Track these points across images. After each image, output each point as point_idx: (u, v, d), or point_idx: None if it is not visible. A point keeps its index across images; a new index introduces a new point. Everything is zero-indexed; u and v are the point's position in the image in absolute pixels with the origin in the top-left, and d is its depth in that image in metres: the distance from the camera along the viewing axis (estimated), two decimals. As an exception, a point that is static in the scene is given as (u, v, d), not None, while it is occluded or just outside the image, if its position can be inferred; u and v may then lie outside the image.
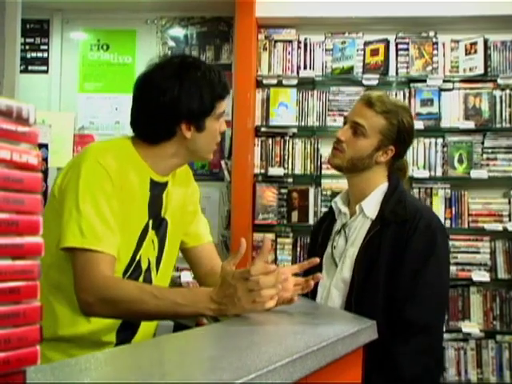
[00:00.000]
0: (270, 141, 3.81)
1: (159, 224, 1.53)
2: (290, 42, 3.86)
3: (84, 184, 1.36)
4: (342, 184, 3.37)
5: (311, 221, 3.73)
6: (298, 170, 3.80)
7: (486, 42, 3.66)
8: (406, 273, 1.63)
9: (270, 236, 3.72)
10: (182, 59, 1.52)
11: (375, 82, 3.71)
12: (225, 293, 1.25)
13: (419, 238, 1.65)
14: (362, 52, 3.79)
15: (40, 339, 0.59)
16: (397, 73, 3.76)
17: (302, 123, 3.81)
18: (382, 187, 1.79)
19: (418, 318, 1.61)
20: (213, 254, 1.67)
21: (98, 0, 4.03)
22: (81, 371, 0.83)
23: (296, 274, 1.49)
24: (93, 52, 4.31)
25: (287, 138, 3.81)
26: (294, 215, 3.77)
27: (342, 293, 1.74)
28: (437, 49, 3.74)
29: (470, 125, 3.64)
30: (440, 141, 3.70)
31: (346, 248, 1.76)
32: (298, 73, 3.83)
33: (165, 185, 1.54)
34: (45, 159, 2.80)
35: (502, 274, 3.57)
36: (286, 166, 3.80)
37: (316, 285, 1.71)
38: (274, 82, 3.82)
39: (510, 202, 3.61)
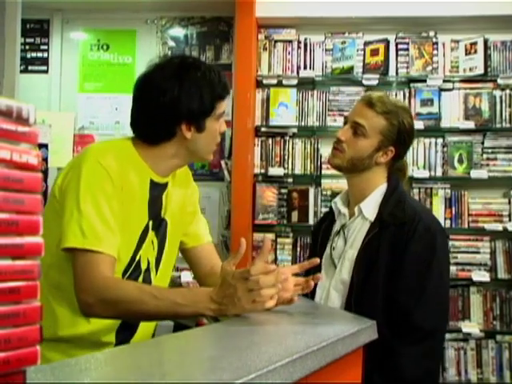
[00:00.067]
0: (270, 141, 3.81)
1: (159, 224, 1.53)
2: (290, 42, 3.86)
3: (85, 184, 1.36)
4: (342, 184, 3.37)
5: (311, 221, 3.73)
6: (298, 170, 3.80)
7: (486, 42, 3.66)
8: (408, 275, 1.63)
9: (270, 236, 3.72)
10: (182, 59, 1.52)
11: (375, 82, 3.71)
12: (225, 293, 1.25)
13: (419, 241, 1.65)
14: (362, 52, 3.79)
15: (40, 339, 0.59)
16: (397, 73, 3.76)
17: (302, 123, 3.81)
18: (381, 188, 1.78)
19: (425, 323, 1.62)
20: (212, 254, 1.67)
21: (98, 0, 4.03)
22: (81, 371, 0.83)
23: (297, 274, 1.49)
24: (93, 52, 4.31)
25: (287, 137, 3.81)
26: (294, 215, 3.77)
27: (341, 294, 1.74)
28: (437, 49, 3.74)
29: (470, 125, 3.64)
30: (440, 141, 3.70)
31: (345, 249, 1.76)
32: (298, 73, 3.83)
33: (165, 186, 1.54)
34: (45, 159, 2.80)
35: (502, 274, 3.57)
36: (285, 165, 3.80)
37: (315, 285, 1.71)
38: (274, 82, 3.82)
39: (510, 202, 3.61)
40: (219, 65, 4.00)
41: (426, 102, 3.69)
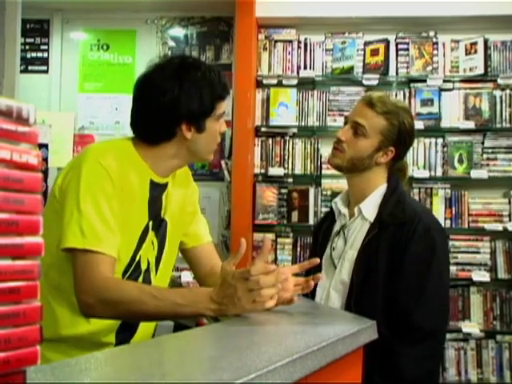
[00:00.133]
0: (270, 141, 3.81)
1: (159, 225, 1.53)
2: (290, 42, 3.86)
3: (85, 184, 1.35)
4: (342, 184, 3.37)
5: (311, 221, 3.73)
6: (298, 170, 3.80)
7: (486, 42, 3.66)
8: (407, 275, 1.63)
9: (270, 236, 3.72)
10: (182, 60, 1.51)
11: (375, 82, 3.71)
12: (225, 293, 1.25)
13: (418, 242, 1.65)
14: (362, 52, 3.79)
15: (40, 339, 0.59)
16: (397, 73, 3.76)
17: (302, 123, 3.81)
18: (381, 188, 1.78)
19: (425, 323, 1.62)
20: (212, 254, 1.67)
21: (98, 0, 4.03)
22: (81, 371, 0.83)
23: (297, 274, 1.48)
24: (93, 52, 4.31)
25: (287, 137, 3.81)
26: (294, 215, 3.77)
27: (341, 295, 1.74)
28: (437, 49, 3.74)
29: (470, 125, 3.64)
30: (440, 141, 3.70)
31: (345, 250, 1.76)
32: (298, 73, 3.83)
33: (165, 186, 1.54)
34: (45, 159, 2.80)
35: (502, 274, 3.57)
36: (286, 165, 3.80)
37: (315, 286, 1.71)
38: (274, 82, 3.82)
39: (510, 202, 3.61)
40: (219, 65, 4.00)
41: (426, 102, 3.69)
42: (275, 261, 3.69)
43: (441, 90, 3.70)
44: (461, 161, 3.65)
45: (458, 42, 3.73)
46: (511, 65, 3.67)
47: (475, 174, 3.60)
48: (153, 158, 1.49)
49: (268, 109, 3.82)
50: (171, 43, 4.26)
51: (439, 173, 3.68)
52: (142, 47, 4.26)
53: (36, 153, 0.59)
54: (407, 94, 3.73)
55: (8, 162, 0.56)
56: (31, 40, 4.29)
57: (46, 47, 4.31)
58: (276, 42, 3.87)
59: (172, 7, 4.13)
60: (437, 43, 3.74)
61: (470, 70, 3.68)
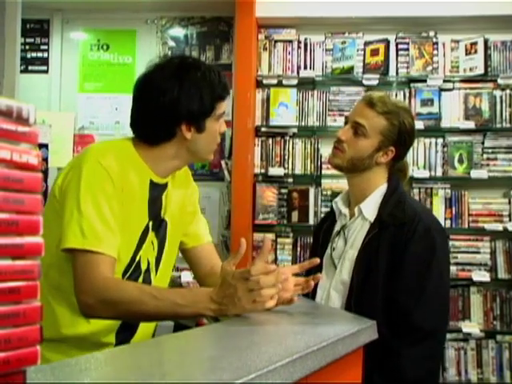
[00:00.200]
0: (270, 141, 3.81)
1: (159, 225, 1.53)
2: (290, 41, 3.86)
3: (85, 185, 1.35)
4: (343, 184, 3.37)
5: (311, 221, 3.73)
6: (298, 170, 3.80)
7: (486, 42, 3.66)
8: (407, 276, 1.63)
9: (270, 236, 3.72)
10: (182, 60, 1.51)
11: (375, 82, 3.71)
12: (225, 293, 1.25)
13: (418, 242, 1.64)
14: (362, 52, 3.79)
15: (40, 339, 0.59)
16: (397, 73, 3.76)
17: (302, 123, 3.81)
18: (381, 188, 1.78)
19: (425, 323, 1.62)
20: (212, 254, 1.67)
21: (98, 0, 4.03)
22: (81, 371, 0.83)
23: (297, 274, 1.48)
24: (93, 52, 4.31)
25: (287, 137, 3.81)
26: (294, 215, 3.77)
27: (341, 295, 1.74)
28: (437, 49, 3.74)
29: (470, 125, 3.64)
30: (440, 141, 3.70)
31: (345, 250, 1.76)
32: (298, 73, 3.83)
33: (164, 186, 1.54)
34: (45, 159, 2.80)
35: (502, 274, 3.57)
36: (286, 165, 3.80)
37: (316, 286, 1.71)
38: (274, 82, 3.82)
39: (510, 202, 3.61)
40: (219, 65, 4.00)
41: (426, 102, 3.69)
42: (275, 261, 3.69)
43: (441, 89, 3.70)
44: (461, 161, 3.65)
45: (458, 42, 3.73)
46: (511, 65, 3.67)
47: (475, 173, 3.61)
48: (153, 158, 1.49)
49: (268, 109, 3.82)
50: (171, 43, 4.26)
51: (439, 173, 3.68)
52: (141, 47, 4.26)
53: (36, 153, 0.59)
54: (407, 94, 3.73)
55: (8, 162, 0.56)
56: (31, 40, 4.29)
57: (46, 47, 4.31)
58: (276, 41, 3.87)
59: (172, 7, 4.13)
60: (437, 43, 3.74)
61: (470, 69, 3.68)
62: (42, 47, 4.30)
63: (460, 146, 3.66)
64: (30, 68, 4.28)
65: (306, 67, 3.84)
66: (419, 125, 3.49)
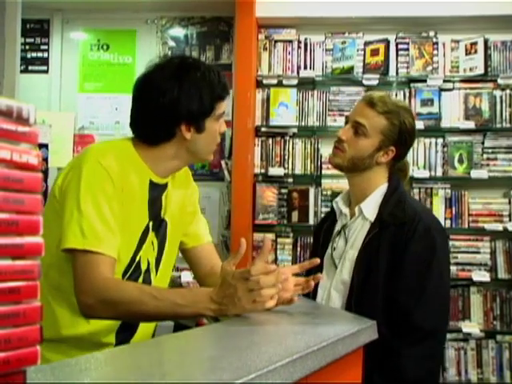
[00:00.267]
0: (270, 141, 3.81)
1: (159, 225, 1.53)
2: (290, 41, 3.86)
3: (85, 185, 1.35)
4: (343, 184, 3.38)
5: (311, 221, 3.73)
6: (298, 170, 3.80)
7: (486, 41, 3.66)
8: (408, 275, 1.63)
9: (270, 236, 3.72)
10: (182, 60, 1.51)
11: (375, 82, 3.71)
12: (225, 293, 1.25)
13: (419, 241, 1.64)
14: (362, 52, 3.79)
15: (40, 339, 0.59)
16: (397, 73, 3.76)
17: (302, 123, 3.81)
18: (381, 188, 1.78)
19: (425, 323, 1.62)
20: (212, 254, 1.67)
21: (98, 0, 4.03)
22: (81, 371, 0.83)
23: (297, 274, 1.48)
24: (93, 52, 4.31)
25: (287, 137, 3.81)
26: (294, 215, 3.77)
27: (341, 294, 1.74)
28: (437, 49, 3.74)
29: (470, 125, 3.64)
30: (440, 141, 3.70)
31: (346, 250, 1.76)
32: (298, 73, 3.83)
33: (164, 186, 1.54)
34: (45, 159, 2.80)
35: (502, 274, 3.57)
36: (286, 165, 3.80)
37: (317, 286, 1.72)
38: (274, 81, 3.82)
39: (510, 202, 3.61)
40: (219, 65, 4.00)
41: (426, 102, 3.69)
42: (275, 261, 3.69)
43: (441, 89, 3.70)
44: (461, 161, 3.65)
45: (458, 42, 3.73)
46: (511, 65, 3.67)
47: (475, 173, 3.61)
48: (152, 158, 1.49)
49: (268, 109, 3.82)
50: (171, 43, 4.26)
51: (439, 173, 3.68)
52: (141, 47, 4.26)
53: (36, 153, 0.59)
54: (407, 94, 3.73)
55: (8, 162, 0.56)
56: (31, 40, 4.29)
57: (46, 47, 4.31)
58: (276, 41, 3.87)
59: (172, 7, 4.13)
60: (437, 43, 3.74)
61: (470, 69, 3.68)
62: (42, 47, 4.30)
63: (460, 145, 3.66)
64: (30, 68, 4.28)
65: (306, 67, 3.84)
66: (419, 125, 3.49)
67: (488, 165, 3.64)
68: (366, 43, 3.79)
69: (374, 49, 3.77)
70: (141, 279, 1.49)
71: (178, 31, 4.26)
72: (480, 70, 3.65)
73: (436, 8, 3.61)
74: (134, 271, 1.47)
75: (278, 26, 3.86)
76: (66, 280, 1.36)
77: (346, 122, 1.81)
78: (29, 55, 4.28)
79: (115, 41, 4.29)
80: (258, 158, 3.80)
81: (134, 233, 1.46)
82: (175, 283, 2.94)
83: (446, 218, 3.60)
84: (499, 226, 3.56)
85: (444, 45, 3.75)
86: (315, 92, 3.82)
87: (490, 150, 3.65)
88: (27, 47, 4.27)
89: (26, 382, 0.59)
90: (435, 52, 3.73)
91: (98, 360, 0.91)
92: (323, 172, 3.73)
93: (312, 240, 2.11)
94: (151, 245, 1.51)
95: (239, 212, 3.64)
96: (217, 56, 4.21)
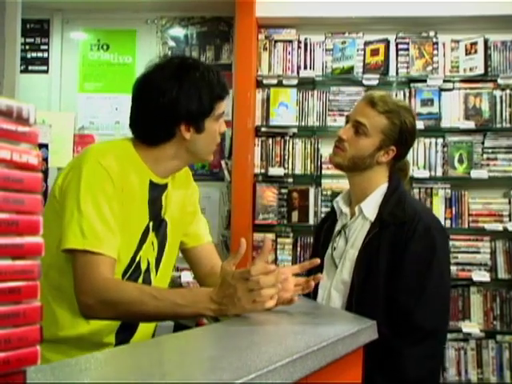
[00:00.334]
0: (270, 141, 3.81)
1: (159, 225, 1.53)
2: (290, 41, 3.86)
3: (85, 185, 1.35)
4: (343, 184, 3.38)
5: (311, 221, 3.73)
6: (298, 170, 3.80)
7: (486, 41, 3.66)
8: (408, 275, 1.63)
9: (270, 236, 3.72)
10: (182, 60, 1.51)
11: (375, 82, 3.71)
12: (225, 293, 1.25)
13: (419, 241, 1.64)
14: (362, 52, 3.79)
15: (40, 339, 0.59)
16: (397, 73, 3.76)
17: (302, 123, 3.81)
18: (382, 188, 1.78)
19: (426, 323, 1.62)
20: (212, 254, 1.67)
21: (98, 0, 4.03)
22: (81, 371, 0.83)
23: (297, 274, 1.48)
24: (93, 52, 4.31)
25: (287, 137, 3.81)
26: (295, 215, 3.77)
27: (341, 294, 1.74)
28: (437, 49, 3.74)
29: (470, 125, 3.64)
30: (440, 141, 3.70)
31: (346, 249, 1.76)
32: (298, 73, 3.83)
33: (164, 186, 1.54)
34: (45, 159, 2.80)
35: (502, 274, 3.57)
36: (286, 165, 3.80)
37: (317, 285, 1.71)
38: (274, 81, 3.82)
39: (510, 202, 3.61)
40: (219, 65, 4.00)
41: (426, 102, 3.69)
42: (275, 261, 3.69)
43: (441, 89, 3.70)
44: (461, 161, 3.65)
45: (458, 42, 3.73)
46: (511, 65, 3.67)
47: (475, 173, 3.61)
48: (152, 158, 1.49)
49: (268, 109, 3.82)
50: (171, 43, 4.26)
51: (439, 173, 3.68)
52: (141, 47, 4.26)
53: (36, 153, 0.59)
54: (407, 94, 3.73)
55: (8, 162, 0.56)
56: (31, 40, 4.29)
57: (46, 47, 4.31)
58: (276, 42, 3.87)
59: (172, 7, 4.13)
60: (437, 43, 3.74)
61: (470, 69, 3.68)
62: (42, 47, 4.30)
63: (460, 146, 3.66)
64: (30, 68, 4.28)
65: (305, 67, 3.84)
66: (419, 125, 3.48)
67: (488, 165, 3.64)
68: (366, 43, 3.79)
69: (374, 49, 3.77)
70: (141, 279, 1.49)
71: (178, 31, 4.26)
72: (480, 70, 3.65)
73: (436, 8, 3.61)
74: (134, 271, 1.46)
75: (278, 26, 3.86)
76: (66, 280, 1.36)
77: (347, 122, 1.81)
78: (29, 55, 4.28)
79: (115, 41, 4.29)
80: (258, 158, 3.80)
81: (134, 233, 1.46)
82: (175, 283, 2.94)
83: (446, 218, 3.60)
84: (499, 226, 3.56)
85: (444, 45, 3.75)
86: (315, 92, 3.82)
87: (489, 150, 3.65)
88: (27, 47, 4.27)
89: (26, 381, 0.59)
90: (435, 52, 3.73)
91: (97, 360, 0.91)
92: (323, 172, 3.74)
93: (312, 240, 2.11)
94: (151, 245, 1.51)
95: (239, 212, 3.64)
96: (217, 56, 4.21)
